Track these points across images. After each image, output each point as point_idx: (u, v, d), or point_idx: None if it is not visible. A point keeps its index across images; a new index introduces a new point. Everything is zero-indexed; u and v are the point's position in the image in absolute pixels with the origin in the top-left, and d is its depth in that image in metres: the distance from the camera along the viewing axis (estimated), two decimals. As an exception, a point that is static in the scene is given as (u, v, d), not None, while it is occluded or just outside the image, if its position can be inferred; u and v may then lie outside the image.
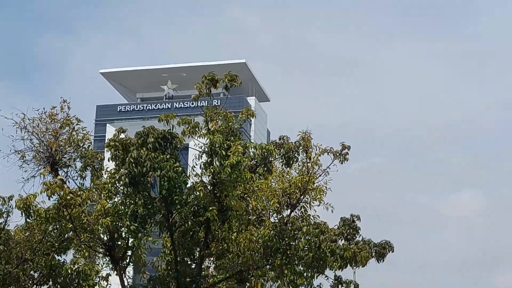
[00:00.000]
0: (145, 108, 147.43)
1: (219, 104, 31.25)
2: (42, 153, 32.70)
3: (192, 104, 30.98)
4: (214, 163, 28.40)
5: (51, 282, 32.29)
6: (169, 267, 31.43)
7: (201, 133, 29.38)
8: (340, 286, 33.08)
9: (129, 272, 33.15)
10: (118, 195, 30.11)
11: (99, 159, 34.02)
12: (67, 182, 31.89)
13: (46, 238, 31.51)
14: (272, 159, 30.45)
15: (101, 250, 31.78)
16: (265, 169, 30.13)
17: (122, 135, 29.81)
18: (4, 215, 31.42)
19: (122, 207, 29.29)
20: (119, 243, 31.27)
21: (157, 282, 31.38)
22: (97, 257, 33.10)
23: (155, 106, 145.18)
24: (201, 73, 30.84)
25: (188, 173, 29.76)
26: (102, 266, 33.00)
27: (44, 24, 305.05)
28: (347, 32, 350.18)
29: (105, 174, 31.36)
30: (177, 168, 28.05)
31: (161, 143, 28.31)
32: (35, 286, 32.75)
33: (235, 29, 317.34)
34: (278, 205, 32.36)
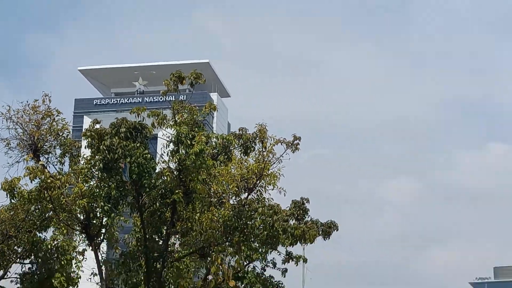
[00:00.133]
0: (118, 102, 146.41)
1: (185, 99, 31.40)
2: (25, 141, 32.87)
3: (161, 98, 31.16)
4: (180, 151, 28.72)
5: (33, 256, 32.53)
6: (138, 244, 31.77)
7: (169, 124, 29.68)
8: (290, 260, 33.61)
9: (103, 247, 33.34)
10: (94, 179, 30.30)
11: (76, 147, 34.26)
12: (47, 167, 32.12)
13: (29, 217, 31.69)
14: (232, 148, 30.69)
15: (78, 228, 31.98)
16: (226, 157, 30.35)
17: (97, 126, 29.92)
18: (-10, 196, 31.34)
19: (97, 190, 29.59)
20: (94, 222, 31.55)
21: (128, 256, 31.61)
22: (74, 234, 33.24)
23: (128, 100, 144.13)
24: (169, 71, 31.07)
25: (156, 160, 30.00)
26: (78, 242, 33.12)
27: (28, 24, 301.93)
28: (300, 35, 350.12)
29: (82, 160, 31.59)
30: (146, 155, 28.32)
31: (132, 132, 28.55)
32: (18, 259, 32.81)
33: (200, 32, 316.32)
34: (237, 189, 32.74)
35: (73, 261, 32.81)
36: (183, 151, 28.54)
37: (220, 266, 30.96)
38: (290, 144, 32.15)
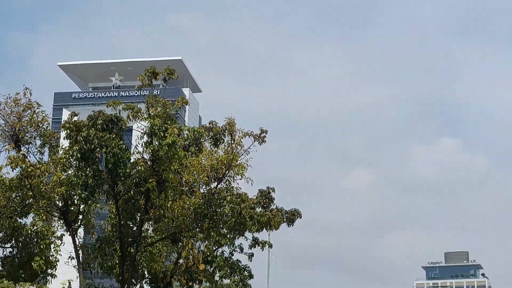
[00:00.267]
0: (96, 96, 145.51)
1: (158, 93, 31.30)
2: (7, 132, 32.52)
3: (136, 93, 31.14)
4: (154, 143, 28.62)
5: (13, 241, 32.18)
6: (114, 229, 31.63)
7: (143, 117, 29.56)
8: (257, 245, 33.62)
9: (80, 233, 33.22)
10: (71, 168, 30.17)
11: (55, 138, 33.98)
12: (28, 157, 31.83)
13: (10, 203, 31.36)
14: (202, 140, 30.72)
15: (56, 214, 31.79)
16: (197, 148, 30.35)
17: (75, 118, 29.76)
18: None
19: (75, 178, 29.49)
20: (72, 208, 31.35)
21: (104, 241, 31.52)
22: (53, 220, 32.98)
23: (104, 94, 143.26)
24: (144, 67, 31.05)
25: (131, 151, 29.86)
26: (57, 228, 32.88)
27: (10, 22, 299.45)
28: (270, 34, 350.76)
29: (60, 150, 31.34)
30: (121, 146, 28.23)
31: (109, 125, 28.45)
32: (0, 244, 32.46)
33: (174, 30, 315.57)
34: (207, 179, 32.72)
35: (52, 246, 32.51)
36: (157, 143, 28.45)
37: (191, 251, 30.94)
38: (257, 137, 32.18)
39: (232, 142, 32.39)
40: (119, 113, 29.28)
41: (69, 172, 30.17)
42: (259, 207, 32.25)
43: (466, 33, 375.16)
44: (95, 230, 33.24)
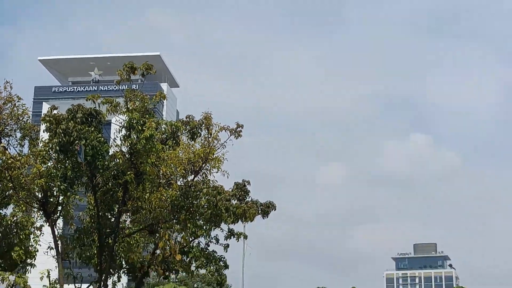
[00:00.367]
0: (75, 90, 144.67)
1: (137, 88, 31.15)
2: (-13, 124, 32.16)
3: (115, 87, 30.91)
4: (132, 136, 28.49)
5: (-7, 231, 31.87)
6: (92, 220, 31.48)
7: (121, 111, 29.42)
8: (232, 237, 33.60)
9: (59, 224, 32.98)
10: (51, 161, 29.99)
11: (35, 130, 33.72)
12: (8, 149, 31.53)
13: (-10, 195, 31.04)
14: (179, 134, 30.57)
15: (36, 205, 31.59)
16: (174, 141, 30.22)
17: (55, 111, 29.56)
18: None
19: (54, 170, 29.32)
20: (51, 200, 31.18)
21: (82, 232, 31.38)
22: (32, 211, 32.74)
23: (84, 88, 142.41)
24: (123, 63, 30.81)
25: (110, 144, 29.71)
26: (36, 218, 32.66)
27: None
28: (246, 32, 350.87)
29: (40, 143, 31.12)
30: (100, 139, 28.09)
31: (88, 118, 28.26)
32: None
33: (153, 27, 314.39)
34: (184, 171, 32.62)
35: (31, 236, 32.35)
36: (135, 136, 28.33)
37: (168, 242, 30.89)
38: (233, 131, 32.13)
39: (209, 136, 32.29)
40: (98, 107, 29.13)
41: (49, 164, 30.00)
42: (234, 200, 32.19)
43: (437, 32, 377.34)
44: (74, 221, 33.04)
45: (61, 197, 30.63)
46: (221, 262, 34.46)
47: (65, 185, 28.48)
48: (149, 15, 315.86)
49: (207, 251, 34.48)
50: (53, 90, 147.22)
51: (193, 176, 32.62)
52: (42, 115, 29.87)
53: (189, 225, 31.36)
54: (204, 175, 32.68)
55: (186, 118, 31.14)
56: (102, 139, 28.29)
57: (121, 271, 33.80)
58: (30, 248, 32.47)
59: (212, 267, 34.19)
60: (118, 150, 29.33)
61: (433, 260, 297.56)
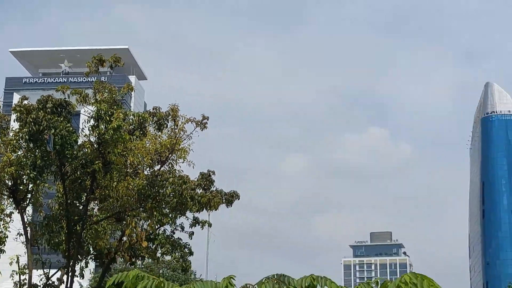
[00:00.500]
0: (45, 81, 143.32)
1: (105, 80, 30.88)
2: (-42, 114, 31.66)
3: (84, 79, 30.50)
4: (100, 126, 28.27)
5: (-36, 217, 31.43)
6: (61, 208, 31.18)
7: (90, 102, 29.14)
8: (197, 225, 33.53)
9: (28, 211, 32.72)
10: (21, 149, 29.59)
11: (6, 120, 33.17)
12: (-22, 138, 30.97)
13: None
14: (146, 125, 30.43)
15: (6, 193, 31.20)
16: (141, 132, 30.10)
17: (25, 102, 29.17)
18: None
19: (24, 159, 28.93)
20: (21, 188, 30.81)
21: (51, 219, 31.12)
22: (2, 199, 32.31)
23: (54, 79, 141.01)
24: (92, 55, 30.54)
25: (79, 134, 29.48)
26: (6, 206, 32.24)
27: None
28: (214, 26, 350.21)
29: (10, 132, 30.70)
30: (69, 128, 27.83)
31: (57, 108, 28.01)
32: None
33: (122, 21, 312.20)
34: (151, 161, 32.40)
35: (1, 223, 31.94)
36: (103, 126, 28.10)
37: (134, 229, 30.72)
38: (199, 123, 32.00)
39: (175, 127, 32.14)
40: (68, 98, 28.90)
41: (19, 153, 29.61)
42: (199, 189, 32.12)
43: (394, 31, 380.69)
44: (43, 209, 32.76)
45: (30, 185, 30.25)
46: (186, 249, 34.34)
47: (35, 173, 28.15)
48: (119, 9, 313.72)
49: (173, 238, 34.33)
50: (24, 81, 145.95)
51: (159, 166, 32.43)
52: (12, 105, 29.50)
53: (155, 213, 31.20)
54: (170, 165, 32.52)
55: (153, 109, 30.98)
56: (71, 129, 28.03)
57: (89, 257, 33.59)
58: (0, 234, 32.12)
59: (177, 253, 34.04)
60: (86, 140, 29.11)
61: (388, 248, 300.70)
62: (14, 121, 29.11)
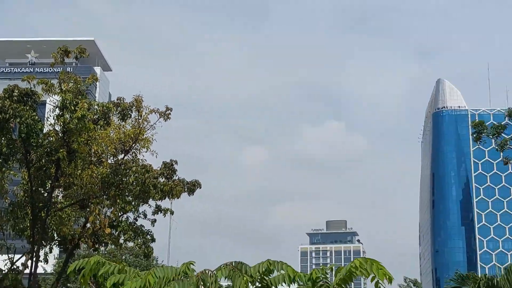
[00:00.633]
0: (12, 71, 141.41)
1: (71, 70, 30.49)
2: None
3: (50, 69, 30.08)
4: (65, 116, 27.92)
5: None
6: (26, 195, 30.81)
7: (56, 92, 28.76)
8: (159, 212, 33.42)
9: (-6, 197, 32.13)
10: (-14, 138, 28.98)
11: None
12: None
13: None
14: (111, 115, 30.11)
15: (-29, 180, 30.58)
16: (105, 122, 29.76)
17: (-9, 91, 28.66)
18: None
19: (-11, 147, 28.33)
20: (-14, 175, 30.22)
21: (16, 205, 30.71)
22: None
23: (20, 69, 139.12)
24: (58, 46, 30.08)
25: (44, 122, 29.11)
26: (-29, 192, 31.69)
27: None
28: (179, 20, 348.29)
29: (-24, 121, 30.08)
30: (34, 117, 27.43)
31: (24, 97, 27.55)
32: None
33: (89, 13, 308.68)
34: (115, 150, 32.18)
35: (-33, 210, 31.45)
36: (68, 116, 27.77)
37: (98, 216, 30.52)
38: (162, 114, 31.92)
39: (139, 117, 31.95)
40: (34, 87, 28.47)
41: (-16, 141, 29.10)
42: (162, 178, 32.01)
43: (353, 28, 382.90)
44: (8, 195, 32.25)
45: (-4, 172, 29.82)
46: (148, 236, 34.21)
47: (0, 160, 27.73)
48: (85, 1, 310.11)
49: (135, 225, 34.17)
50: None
51: (123, 155, 32.22)
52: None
53: (118, 200, 31.01)
54: (133, 154, 32.31)
55: (117, 100, 30.75)
56: (37, 117, 27.64)
57: (53, 243, 33.33)
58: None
59: (139, 240, 33.90)
60: (51, 128, 28.79)
61: (343, 235, 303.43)
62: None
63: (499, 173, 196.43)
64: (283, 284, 12.41)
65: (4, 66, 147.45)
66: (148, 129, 32.42)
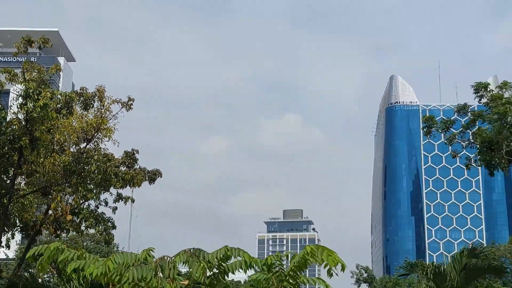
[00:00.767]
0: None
1: (35, 60, 30.00)
2: None
3: (14, 59, 29.51)
4: (28, 104, 27.46)
5: None
6: (-12, 182, 30.19)
7: (19, 81, 28.32)
8: (120, 200, 33.17)
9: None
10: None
11: None
12: None
13: None
14: (73, 104, 29.73)
15: None
16: (68, 111, 29.39)
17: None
18: None
19: (-48, 134, 27.80)
20: (-51, 161, 29.60)
21: (-22, 193, 30.07)
22: None
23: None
24: (22, 36, 29.58)
25: (7, 111, 28.63)
26: None
27: None
28: (143, 14, 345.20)
29: None
30: (-3, 106, 26.95)
31: (-14, 86, 27.05)
32: None
33: (54, 4, 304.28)
34: (77, 139, 31.84)
35: None
36: (31, 104, 27.34)
37: (60, 203, 30.23)
38: (125, 104, 31.58)
39: (102, 107, 31.60)
40: (-3, 76, 28.02)
41: None
42: (124, 167, 31.77)
43: (312, 24, 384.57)
44: (-30, 182, 31.72)
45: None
46: (109, 223, 33.94)
47: (-38, 148, 27.21)
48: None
49: (97, 212, 33.86)
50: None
51: (85, 143, 31.88)
52: None
53: (80, 188, 30.67)
54: (96, 143, 32.00)
55: (80, 90, 30.37)
56: (0, 106, 27.19)
57: (15, 229, 32.91)
58: None
59: (100, 227, 33.61)
60: (14, 117, 28.34)
61: (299, 224, 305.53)
62: None
63: (448, 166, 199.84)
64: (240, 270, 12.43)
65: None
66: (110, 119, 32.12)
